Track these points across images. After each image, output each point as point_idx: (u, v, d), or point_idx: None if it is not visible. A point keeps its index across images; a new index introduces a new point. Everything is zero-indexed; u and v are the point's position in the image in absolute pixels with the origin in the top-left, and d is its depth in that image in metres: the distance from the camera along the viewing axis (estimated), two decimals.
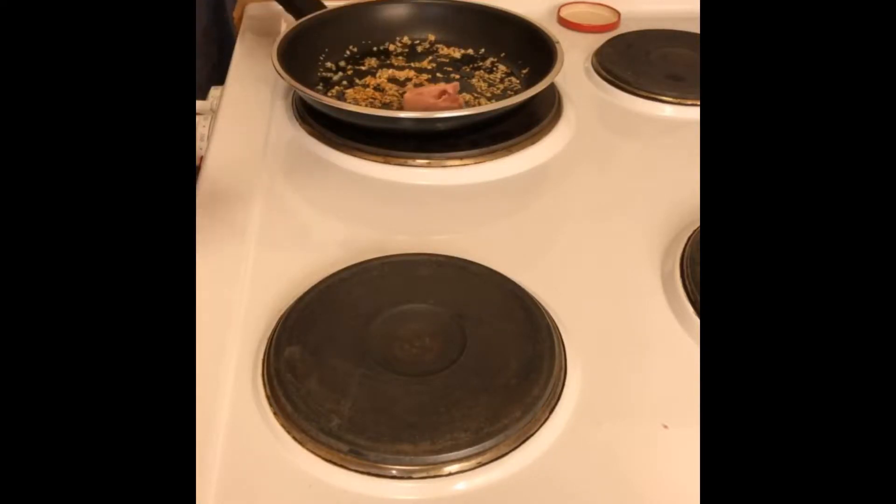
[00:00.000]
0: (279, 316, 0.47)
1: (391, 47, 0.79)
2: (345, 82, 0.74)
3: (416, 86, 0.73)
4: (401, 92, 0.71)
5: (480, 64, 0.77)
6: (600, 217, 0.58)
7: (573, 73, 0.77)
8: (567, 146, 0.66)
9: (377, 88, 0.72)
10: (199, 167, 0.62)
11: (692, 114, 0.71)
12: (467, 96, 0.71)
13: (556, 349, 0.44)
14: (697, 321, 0.47)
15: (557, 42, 0.70)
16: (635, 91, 0.73)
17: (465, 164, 0.62)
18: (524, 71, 0.74)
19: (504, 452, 0.40)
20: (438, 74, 0.75)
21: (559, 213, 0.59)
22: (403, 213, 0.59)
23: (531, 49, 0.73)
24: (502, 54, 0.77)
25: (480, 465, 0.39)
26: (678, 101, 0.72)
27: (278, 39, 0.70)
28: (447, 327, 0.45)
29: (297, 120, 0.67)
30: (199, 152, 0.70)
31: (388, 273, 0.49)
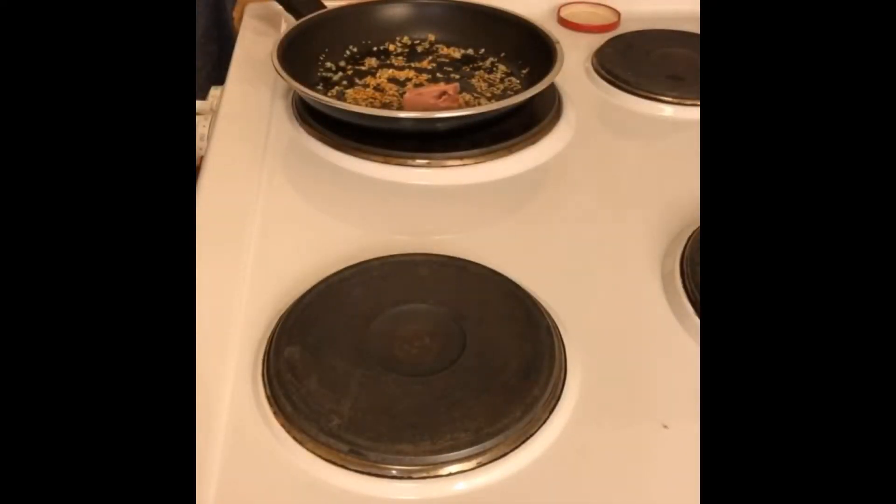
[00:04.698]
0: (279, 316, 0.47)
1: (391, 47, 0.79)
2: (345, 82, 0.74)
3: (416, 86, 0.73)
4: (401, 92, 0.71)
5: (480, 64, 0.77)
6: (600, 217, 0.58)
7: (573, 73, 0.77)
8: (567, 146, 0.66)
9: (377, 88, 0.72)
10: (199, 167, 0.62)
11: (692, 114, 0.71)
12: (467, 96, 0.71)
13: (556, 349, 0.44)
14: (697, 321, 0.47)
15: (557, 42, 0.70)
16: (635, 91, 0.73)
17: (465, 164, 0.62)
18: (524, 71, 0.74)
19: (504, 452, 0.40)
20: (438, 74, 0.75)
21: (559, 213, 0.59)
22: (403, 213, 0.59)
23: (531, 49, 0.73)
24: (502, 54, 0.77)
25: (480, 465, 0.39)
26: (678, 101, 0.72)
27: (278, 39, 0.70)
28: (447, 327, 0.45)
29: (297, 120, 0.67)
30: (199, 152, 0.69)
31: (388, 273, 0.49)
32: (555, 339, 0.45)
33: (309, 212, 0.59)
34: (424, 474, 0.39)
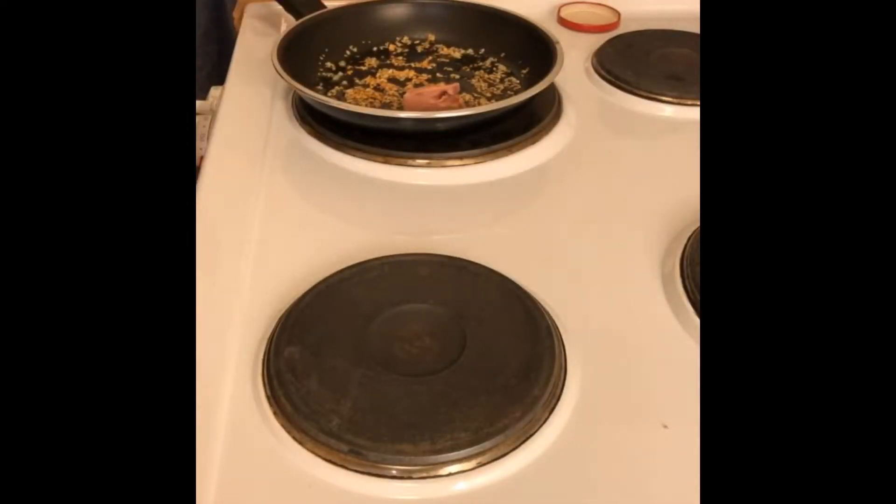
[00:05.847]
0: (279, 316, 0.47)
1: (391, 47, 0.79)
2: (345, 82, 0.74)
3: (416, 86, 0.73)
4: (401, 92, 0.71)
5: (480, 64, 0.77)
6: (600, 217, 0.58)
7: (573, 73, 0.77)
8: (567, 146, 0.66)
9: (377, 88, 0.72)
10: (199, 167, 0.62)
11: (692, 114, 0.71)
12: (467, 96, 0.71)
13: (556, 349, 0.44)
14: (697, 321, 0.47)
15: (557, 42, 0.70)
16: (635, 91, 0.73)
17: (465, 164, 0.62)
18: (524, 71, 0.74)
19: (504, 452, 0.40)
20: (438, 74, 0.75)
21: (559, 213, 0.59)
22: (403, 213, 0.59)
23: (531, 49, 0.73)
24: (502, 54, 0.77)
25: (480, 465, 0.39)
26: (678, 101, 0.72)
27: (278, 39, 0.70)
28: (447, 327, 0.45)
29: (297, 120, 0.67)
30: (199, 152, 0.70)
31: (388, 273, 0.49)
32: (555, 339, 0.45)
33: (309, 212, 0.59)
34: (424, 474, 0.39)
